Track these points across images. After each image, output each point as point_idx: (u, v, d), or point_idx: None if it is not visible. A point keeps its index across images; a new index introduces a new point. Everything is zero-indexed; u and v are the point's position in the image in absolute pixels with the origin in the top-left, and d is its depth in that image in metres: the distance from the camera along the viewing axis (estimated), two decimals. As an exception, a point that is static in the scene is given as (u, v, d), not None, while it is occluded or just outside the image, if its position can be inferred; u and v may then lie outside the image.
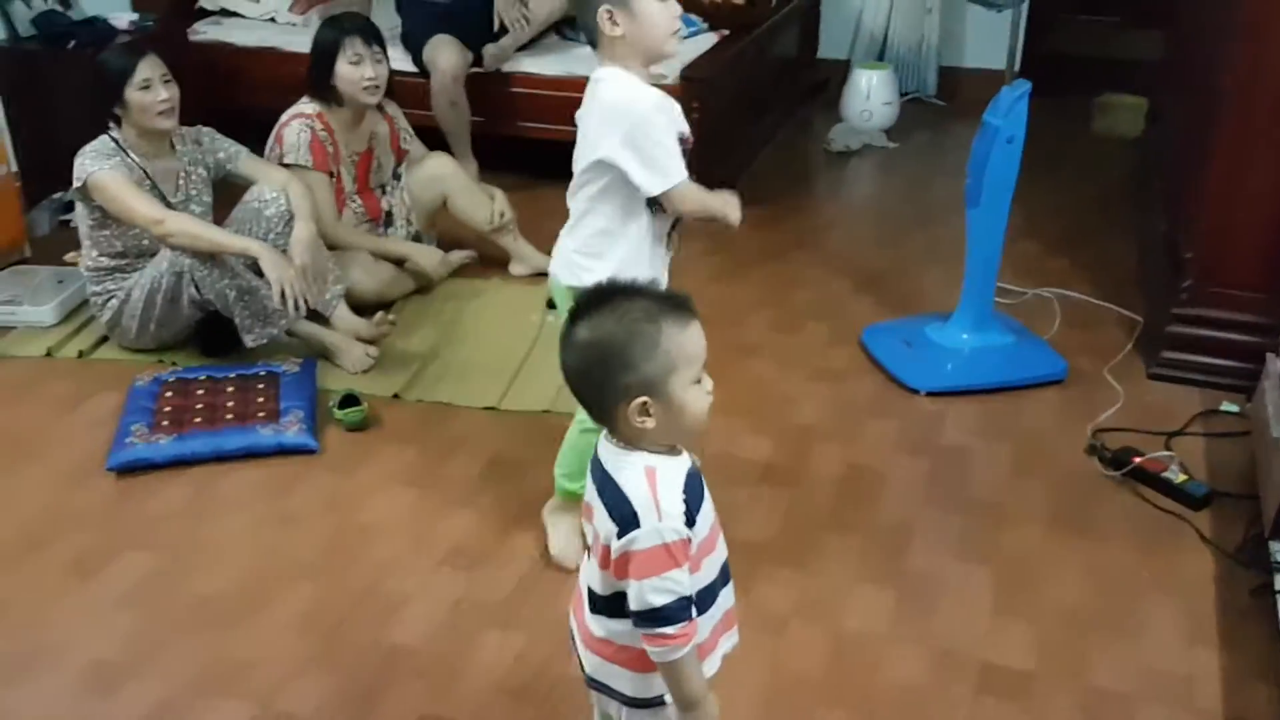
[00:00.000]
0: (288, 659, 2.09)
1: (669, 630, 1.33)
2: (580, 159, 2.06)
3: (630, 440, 1.37)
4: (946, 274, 3.31)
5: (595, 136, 2.00)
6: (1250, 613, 2.19)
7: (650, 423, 1.33)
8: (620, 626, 1.42)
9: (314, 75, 3.27)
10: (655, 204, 2.03)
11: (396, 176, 3.55)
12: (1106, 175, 4.46)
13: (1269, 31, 2.62)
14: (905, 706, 1.99)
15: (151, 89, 2.88)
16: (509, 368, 3.01)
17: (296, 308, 2.90)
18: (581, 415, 2.21)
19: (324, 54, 3.23)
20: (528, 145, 4.04)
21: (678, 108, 2.05)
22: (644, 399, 1.31)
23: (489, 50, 4.06)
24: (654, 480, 1.35)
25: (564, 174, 2.11)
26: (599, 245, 2.07)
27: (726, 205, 2.13)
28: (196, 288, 2.91)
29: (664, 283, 2.10)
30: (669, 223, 2.10)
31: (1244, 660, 2.08)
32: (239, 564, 2.34)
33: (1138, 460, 2.57)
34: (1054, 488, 2.57)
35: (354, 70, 3.21)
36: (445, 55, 3.93)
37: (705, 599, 1.44)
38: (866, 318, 3.29)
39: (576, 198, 2.10)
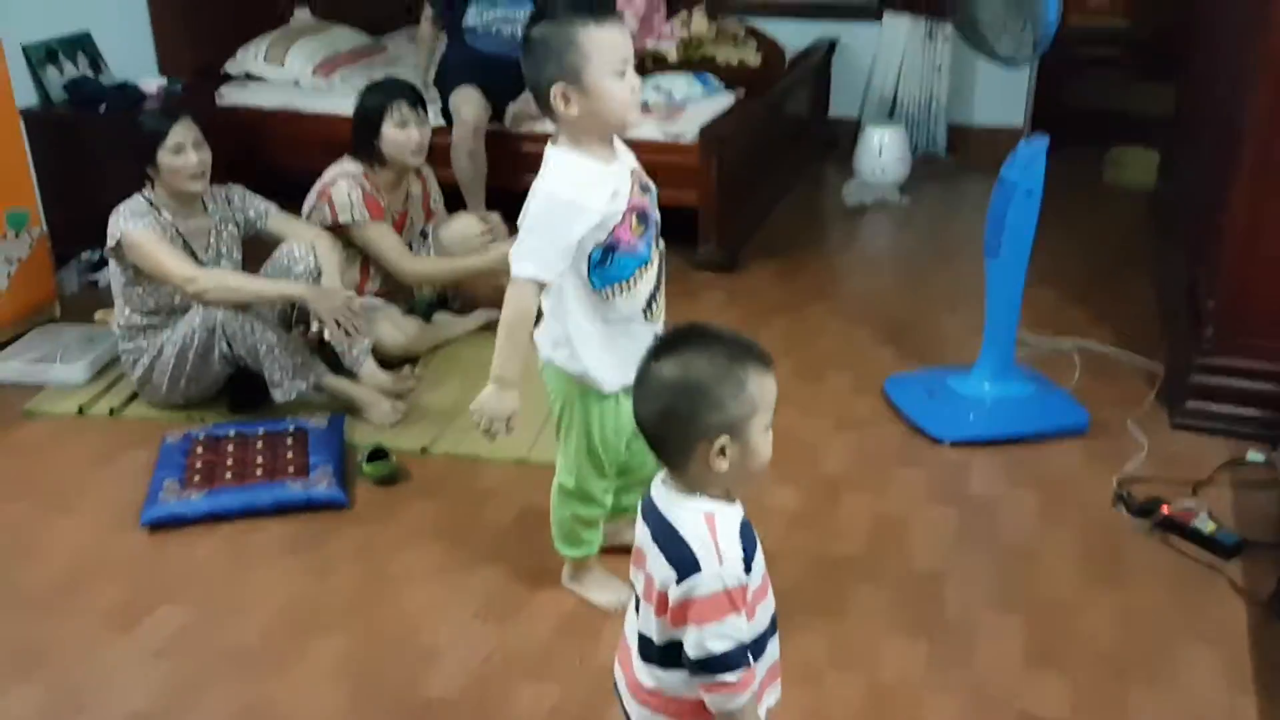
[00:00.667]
0: (323, 710, 2.10)
1: (729, 678, 1.34)
2: None
3: (695, 483, 1.39)
4: (964, 323, 3.34)
5: None
6: (1286, 660, 2.19)
7: (725, 464, 1.35)
8: (672, 677, 1.42)
9: (359, 137, 3.34)
10: (602, 284, 1.99)
11: (424, 235, 3.61)
12: (1119, 226, 4.51)
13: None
14: (944, 756, 1.99)
15: (183, 153, 2.95)
16: (536, 419, 3.02)
17: (350, 334, 2.98)
18: (561, 477, 2.21)
19: (370, 117, 3.31)
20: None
21: (626, 182, 1.98)
22: (725, 439, 1.34)
23: (512, 108, 4.14)
24: (714, 525, 1.37)
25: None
26: (561, 336, 2.06)
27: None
28: (229, 343, 2.96)
29: None
30: (642, 295, 2.04)
31: (1283, 708, 2.08)
32: (271, 616, 2.35)
33: (1166, 510, 2.58)
34: (1083, 537, 2.58)
35: (400, 133, 3.29)
36: (468, 108, 4.01)
37: (756, 648, 1.45)
38: (888, 367, 3.32)
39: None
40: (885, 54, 5.42)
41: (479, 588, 2.43)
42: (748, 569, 1.37)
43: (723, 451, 1.34)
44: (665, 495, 1.42)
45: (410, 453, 2.94)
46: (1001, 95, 5.28)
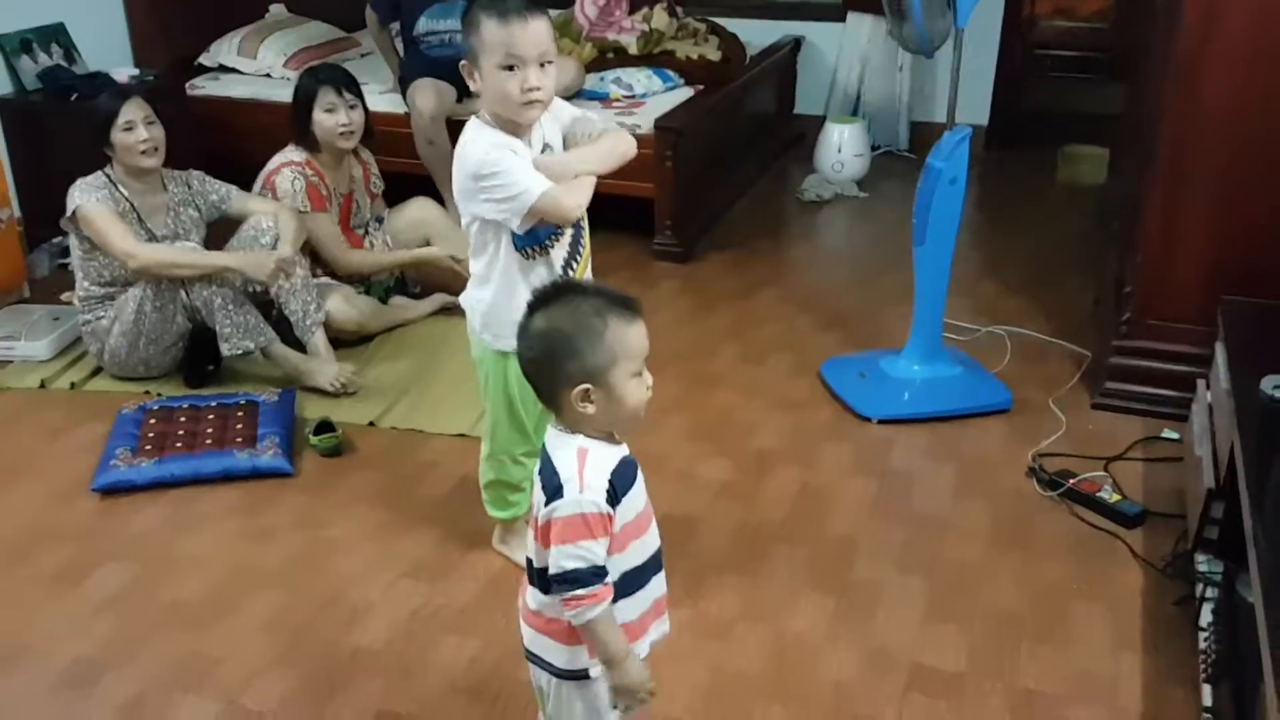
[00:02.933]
0: (254, 659, 2.20)
1: (579, 591, 1.45)
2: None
3: (573, 425, 1.50)
4: (906, 313, 3.44)
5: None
6: (1173, 622, 2.29)
7: (591, 409, 1.46)
8: (550, 599, 1.54)
9: (294, 122, 3.46)
10: (521, 244, 2.07)
11: (379, 220, 3.72)
12: (1069, 222, 4.62)
13: (1197, 78, 2.78)
14: (838, 702, 2.10)
15: (134, 130, 3.08)
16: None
17: (288, 276, 3.15)
18: (487, 443, 2.34)
19: (302, 103, 3.44)
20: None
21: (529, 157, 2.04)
22: (586, 386, 1.45)
23: (469, 101, 4.25)
24: (584, 459, 1.48)
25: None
26: (483, 302, 2.17)
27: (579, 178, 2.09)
28: (186, 293, 3.08)
29: None
30: (556, 261, 2.12)
31: (1165, 664, 2.18)
32: (211, 574, 2.46)
33: (1073, 481, 2.69)
34: (993, 507, 2.69)
35: (329, 118, 3.42)
36: (423, 97, 4.14)
37: (634, 582, 1.56)
38: (829, 352, 3.43)
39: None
40: (849, 53, 5.54)
41: (412, 550, 2.54)
42: (614, 502, 1.47)
43: (587, 397, 1.45)
44: (552, 435, 1.53)
45: (357, 426, 3.05)
46: (963, 95, 5.39)
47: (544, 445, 1.54)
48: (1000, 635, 2.26)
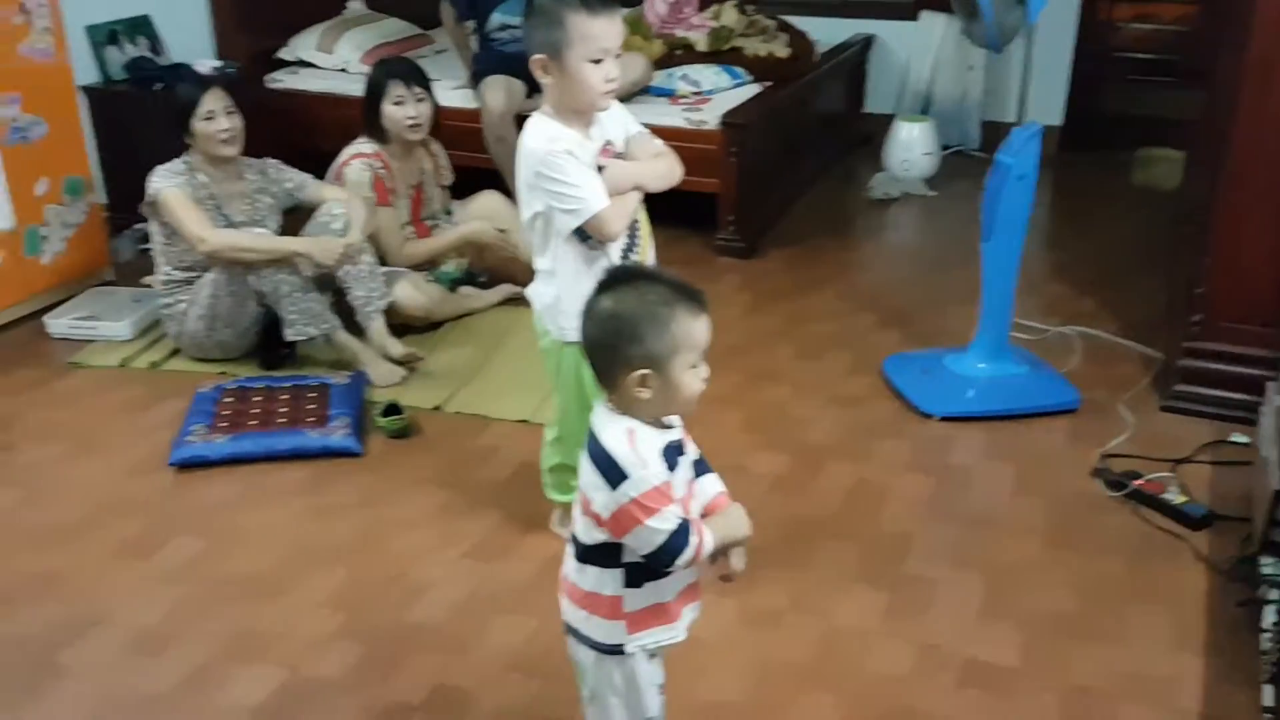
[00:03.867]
0: (317, 631, 2.26)
1: (687, 553, 1.50)
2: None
3: (624, 407, 1.53)
4: (973, 312, 3.40)
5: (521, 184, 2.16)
6: (1236, 624, 2.25)
7: (646, 394, 1.49)
8: (593, 574, 1.57)
9: (365, 114, 3.55)
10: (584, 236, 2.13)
11: (448, 213, 3.79)
12: (1143, 225, 4.54)
13: (1270, 81, 2.73)
14: (889, 695, 2.09)
15: (215, 119, 3.18)
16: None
17: (354, 262, 3.25)
18: (552, 428, 2.39)
19: (372, 95, 3.53)
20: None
21: (591, 153, 2.11)
22: (645, 372, 1.47)
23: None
24: (633, 439, 1.50)
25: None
26: (551, 295, 2.23)
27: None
28: (256, 277, 3.18)
29: None
30: (614, 251, 2.17)
31: (1225, 666, 2.15)
32: (278, 549, 2.53)
33: (1138, 482, 2.65)
34: (1054, 506, 2.66)
35: (397, 110, 3.50)
36: (493, 93, 4.20)
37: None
38: (888, 349, 3.42)
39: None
40: (920, 51, 5.51)
41: (472, 531, 2.59)
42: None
43: (644, 382, 1.48)
44: (600, 413, 1.56)
45: (424, 409, 3.11)
46: (1037, 95, 5.34)
47: (591, 421, 1.56)
48: (1056, 633, 2.25)
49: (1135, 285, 3.91)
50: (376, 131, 3.56)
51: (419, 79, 3.56)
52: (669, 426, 1.56)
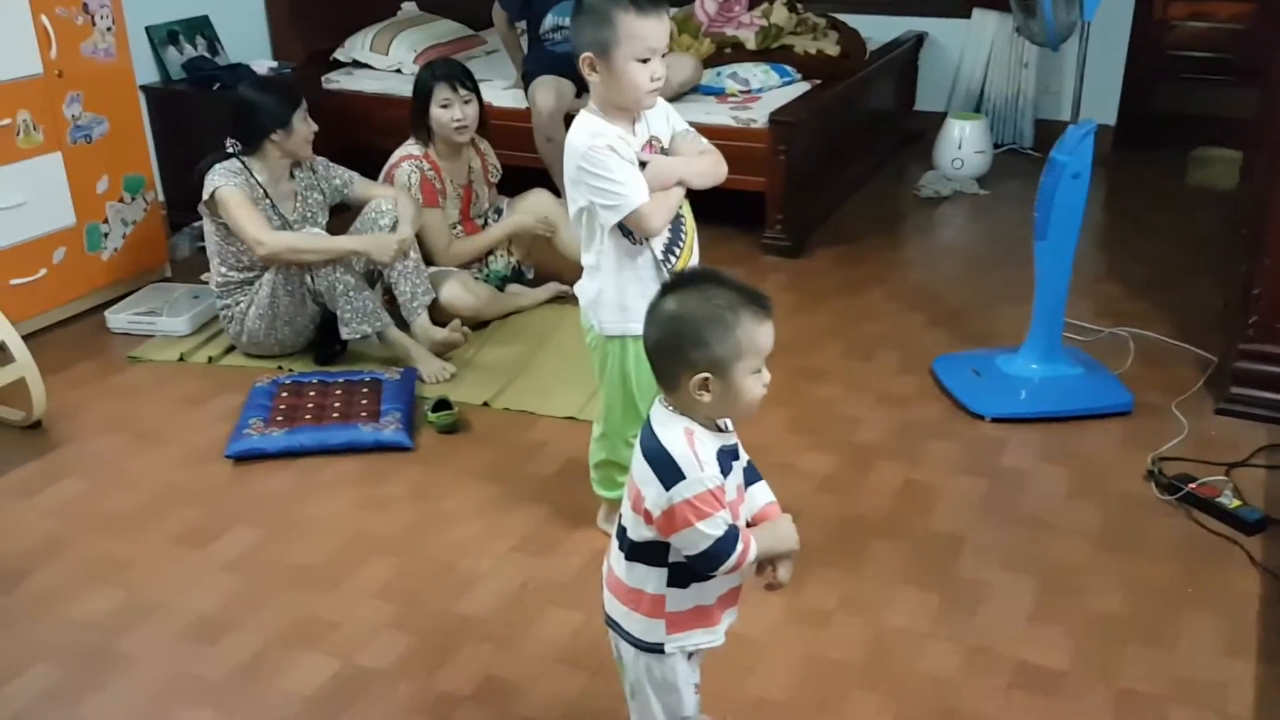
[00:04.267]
0: (369, 621, 2.30)
1: (732, 559, 1.51)
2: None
3: (684, 408, 1.54)
4: (1024, 312, 3.38)
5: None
6: (1292, 630, 2.22)
7: (707, 397, 1.50)
8: (638, 570, 1.59)
9: (413, 116, 3.61)
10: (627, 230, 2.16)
11: (498, 211, 3.82)
12: (1198, 225, 4.48)
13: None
14: (937, 695, 2.09)
15: (308, 121, 3.30)
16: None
17: (406, 256, 3.31)
18: (600, 424, 2.41)
19: (419, 98, 3.58)
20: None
21: (632, 150, 2.13)
22: (707, 375, 1.48)
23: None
24: (692, 440, 1.52)
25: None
26: (596, 291, 2.26)
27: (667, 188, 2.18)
28: (313, 278, 3.24)
29: None
30: (658, 246, 2.20)
31: (1279, 673, 2.12)
32: (332, 540, 2.58)
33: (1192, 486, 2.62)
34: (1107, 509, 2.64)
35: (444, 113, 3.54)
36: (543, 94, 4.23)
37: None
38: (938, 349, 3.40)
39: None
40: (973, 49, 5.47)
41: (520, 525, 2.61)
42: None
43: (705, 385, 1.49)
44: (659, 412, 1.57)
45: (473, 405, 3.15)
46: (1092, 93, 5.27)
47: (649, 419, 1.57)
48: (1107, 636, 2.23)
49: (1190, 287, 3.86)
50: (423, 133, 3.60)
51: (466, 81, 3.60)
52: (725, 430, 1.57)
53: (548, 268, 3.89)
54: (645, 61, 2.05)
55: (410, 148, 3.62)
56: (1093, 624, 2.26)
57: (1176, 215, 4.61)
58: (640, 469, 1.54)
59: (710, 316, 1.47)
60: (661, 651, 1.61)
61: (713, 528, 1.49)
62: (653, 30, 2.04)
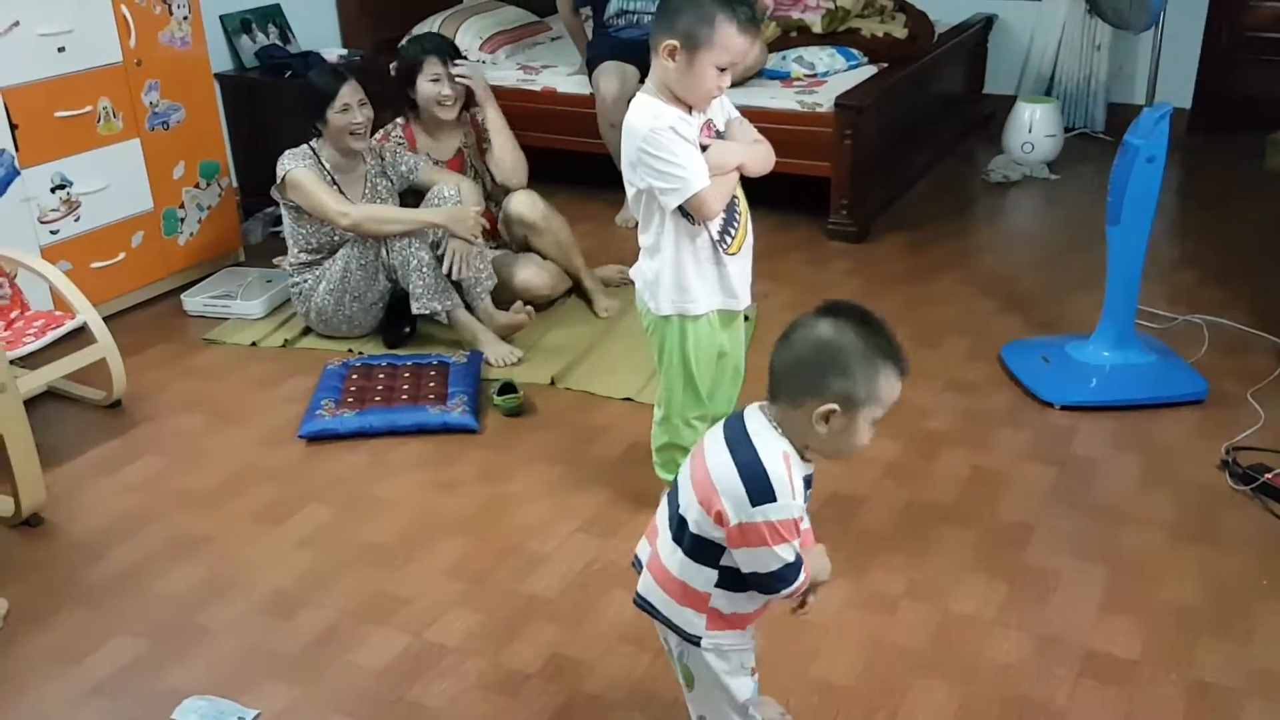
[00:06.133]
0: (439, 599, 2.35)
1: (796, 584, 1.54)
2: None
3: (786, 426, 1.53)
4: (1095, 299, 3.33)
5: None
6: (1372, 624, 2.17)
7: (824, 429, 1.50)
8: (690, 565, 1.60)
9: (398, 87, 3.58)
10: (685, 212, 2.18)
11: (495, 203, 3.73)
12: (1274, 211, 4.36)
13: None
14: (1005, 683, 2.08)
15: (349, 111, 3.29)
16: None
17: (450, 273, 3.29)
18: (660, 407, 2.43)
19: (406, 69, 3.54)
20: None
21: (692, 132, 2.15)
22: (835, 408, 1.48)
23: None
24: (789, 464, 1.52)
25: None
26: (653, 274, 2.28)
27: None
28: (387, 252, 3.29)
29: (743, 279, 2.30)
30: (714, 227, 2.22)
31: (1360, 667, 2.08)
32: (402, 519, 2.63)
33: (1268, 476, 2.57)
34: (1180, 498, 2.60)
35: (432, 87, 3.51)
36: (606, 81, 4.23)
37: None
38: (1008, 336, 3.36)
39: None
40: (1044, 31, 5.37)
41: (585, 507, 2.64)
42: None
43: (827, 417, 1.48)
44: (756, 418, 1.56)
45: (538, 386, 3.18)
46: (1166, 76, 5.16)
47: (745, 425, 1.56)
48: (1179, 627, 2.20)
49: (1267, 273, 3.77)
50: (404, 104, 3.57)
51: (454, 54, 3.56)
52: (808, 460, 1.57)
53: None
54: (723, 70, 2.09)
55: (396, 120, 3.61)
56: (1165, 614, 2.23)
57: (1253, 200, 4.50)
58: (725, 474, 1.53)
59: (863, 355, 1.48)
60: (698, 645, 1.63)
61: (787, 553, 1.52)
62: (743, 48, 2.10)
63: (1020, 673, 2.10)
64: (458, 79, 3.53)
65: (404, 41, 3.68)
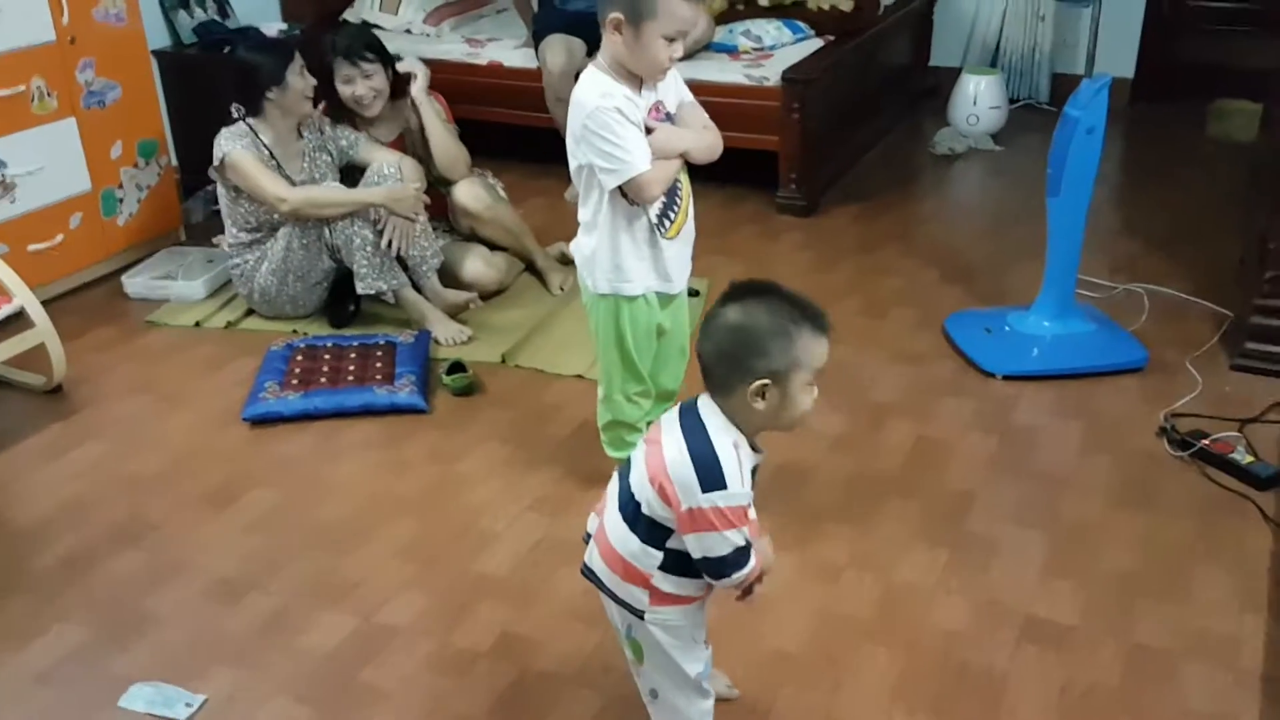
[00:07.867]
0: (389, 580, 2.34)
1: (745, 570, 1.57)
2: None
3: (734, 415, 1.56)
4: (1039, 269, 3.37)
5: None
6: (1304, 585, 2.23)
7: (761, 405, 1.52)
8: (636, 544, 1.62)
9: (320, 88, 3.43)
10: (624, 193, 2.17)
11: (437, 180, 3.66)
12: (1216, 179, 4.43)
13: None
14: (947, 649, 2.12)
15: (305, 76, 3.27)
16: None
17: (388, 249, 3.24)
18: (603, 387, 2.44)
19: (322, 72, 3.40)
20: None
21: (638, 112, 2.15)
22: (765, 383, 1.51)
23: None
24: (739, 453, 1.55)
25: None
26: (591, 250, 2.28)
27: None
28: (329, 231, 3.25)
29: (680, 264, 2.31)
30: (653, 210, 2.21)
31: (1292, 627, 2.14)
32: (351, 502, 2.61)
33: (1205, 442, 2.63)
34: (1119, 465, 2.65)
35: (345, 89, 3.42)
36: (553, 54, 4.20)
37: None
38: (953, 307, 3.40)
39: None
40: (988, 2, 5.40)
41: (536, 486, 2.64)
42: None
43: (761, 393, 1.51)
44: (709, 407, 1.58)
45: (488, 364, 3.17)
46: (1109, 46, 5.24)
47: (698, 411, 1.58)
48: (1118, 592, 2.25)
49: (1207, 242, 3.83)
50: (335, 99, 3.47)
51: (365, 54, 3.38)
52: (760, 451, 1.60)
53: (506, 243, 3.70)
54: (671, 40, 2.08)
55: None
56: (1104, 579, 2.28)
57: (1195, 169, 4.57)
58: (677, 460, 1.55)
59: (774, 328, 1.50)
60: (642, 619, 1.65)
61: (736, 537, 1.54)
62: (690, 13, 2.08)
63: (962, 638, 2.14)
64: (407, 74, 3.48)
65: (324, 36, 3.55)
